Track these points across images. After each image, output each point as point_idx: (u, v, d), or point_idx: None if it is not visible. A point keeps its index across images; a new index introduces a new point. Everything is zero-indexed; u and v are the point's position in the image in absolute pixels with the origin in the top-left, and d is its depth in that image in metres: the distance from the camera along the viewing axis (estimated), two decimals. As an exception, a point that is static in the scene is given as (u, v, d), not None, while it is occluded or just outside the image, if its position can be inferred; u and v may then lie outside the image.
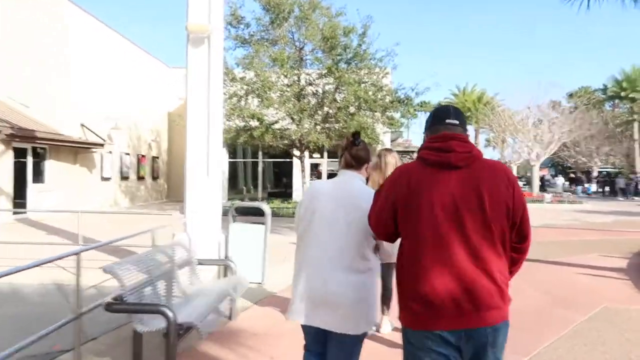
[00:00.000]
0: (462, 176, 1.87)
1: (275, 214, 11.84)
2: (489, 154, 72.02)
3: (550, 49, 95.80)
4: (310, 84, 16.02)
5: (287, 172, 23.08)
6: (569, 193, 31.43)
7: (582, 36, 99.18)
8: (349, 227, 2.36)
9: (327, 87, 15.78)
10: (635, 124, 39.63)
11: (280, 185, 24.38)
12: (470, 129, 44.27)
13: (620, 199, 29.26)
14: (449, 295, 1.80)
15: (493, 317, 1.82)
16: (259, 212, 6.69)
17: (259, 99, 14.92)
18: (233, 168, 24.12)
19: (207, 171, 5.91)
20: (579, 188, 33.78)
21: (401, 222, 1.96)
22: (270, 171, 25.22)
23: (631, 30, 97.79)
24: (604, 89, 45.70)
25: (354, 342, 2.41)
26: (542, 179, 40.20)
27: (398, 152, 30.42)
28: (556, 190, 33.66)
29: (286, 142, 16.17)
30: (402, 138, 31.76)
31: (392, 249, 2.34)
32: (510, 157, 31.83)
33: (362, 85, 15.38)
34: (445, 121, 2.01)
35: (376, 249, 2.46)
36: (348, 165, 2.56)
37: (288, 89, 15.18)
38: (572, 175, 41.16)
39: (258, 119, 14.97)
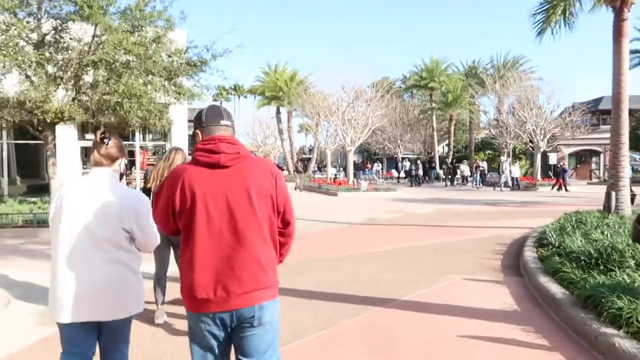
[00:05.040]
0: (231, 174, 2.09)
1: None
2: (301, 139, 72.40)
3: (357, 39, 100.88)
4: (57, 30, 10.66)
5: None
6: (382, 180, 31.15)
7: (386, 31, 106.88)
8: (101, 224, 2.41)
9: (83, 38, 10.63)
10: (435, 113, 42.12)
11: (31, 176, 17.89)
12: (283, 112, 42.00)
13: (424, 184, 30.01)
14: (218, 280, 2.02)
15: (259, 297, 2.07)
16: None
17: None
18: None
19: None
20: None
21: (179, 218, 2.13)
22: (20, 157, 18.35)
23: (428, 25, 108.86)
24: (404, 79, 47.97)
25: (122, 325, 2.56)
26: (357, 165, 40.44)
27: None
28: (371, 177, 33.28)
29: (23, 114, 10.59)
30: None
31: (145, 239, 2.55)
32: (325, 141, 29.92)
33: (136, 36, 10.67)
34: (220, 122, 2.20)
35: (132, 241, 2.53)
36: (98, 164, 2.55)
37: (15, 30, 9.62)
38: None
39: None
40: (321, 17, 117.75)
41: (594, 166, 36.48)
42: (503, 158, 27.86)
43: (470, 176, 28.99)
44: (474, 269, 6.73)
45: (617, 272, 4.67)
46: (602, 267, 5.01)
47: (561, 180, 24.25)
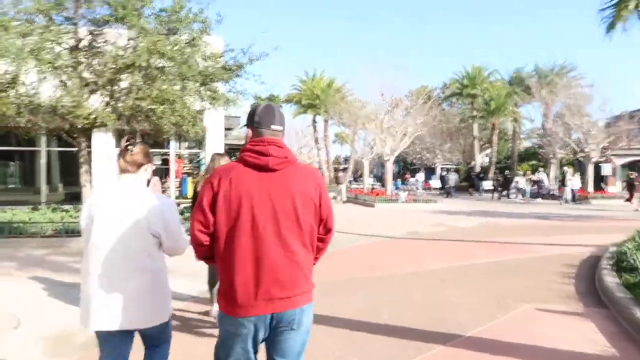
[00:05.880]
0: (277, 178, 2.07)
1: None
2: (337, 149, 71.72)
3: (394, 48, 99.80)
4: (93, 34, 10.39)
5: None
6: (422, 191, 30.02)
7: (421, 40, 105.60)
8: (129, 231, 2.42)
9: (117, 42, 10.31)
10: (476, 121, 40.66)
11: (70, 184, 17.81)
12: (319, 120, 41.38)
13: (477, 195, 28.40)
14: (261, 284, 2.01)
15: (301, 301, 2.09)
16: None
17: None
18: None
19: None
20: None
21: (220, 217, 2.05)
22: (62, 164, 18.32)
23: (466, 35, 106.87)
24: (443, 87, 46.61)
25: (160, 331, 2.59)
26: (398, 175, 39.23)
27: (234, 147, 24.87)
28: (413, 188, 32.17)
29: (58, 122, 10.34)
30: (241, 127, 26.22)
31: (174, 243, 2.54)
32: (362, 151, 29.08)
33: (172, 40, 10.29)
34: (271, 127, 2.16)
35: (160, 246, 2.55)
36: (124, 171, 2.57)
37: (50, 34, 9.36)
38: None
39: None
40: (356, 25, 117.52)
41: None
42: (569, 170, 25.82)
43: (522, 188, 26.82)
44: (545, 295, 5.80)
45: None
46: None
47: (631, 194, 22.24)
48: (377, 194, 24.28)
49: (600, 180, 31.34)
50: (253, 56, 11.19)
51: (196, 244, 2.15)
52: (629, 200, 22.18)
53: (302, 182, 2.11)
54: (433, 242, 10.51)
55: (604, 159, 29.19)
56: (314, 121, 41.83)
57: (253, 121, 2.18)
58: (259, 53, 11.20)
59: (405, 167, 52.49)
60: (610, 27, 9.58)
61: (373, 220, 15.34)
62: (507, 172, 33.71)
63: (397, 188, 28.72)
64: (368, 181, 31.72)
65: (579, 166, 31.74)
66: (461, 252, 9.03)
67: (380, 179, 41.86)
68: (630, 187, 22.55)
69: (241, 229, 2.01)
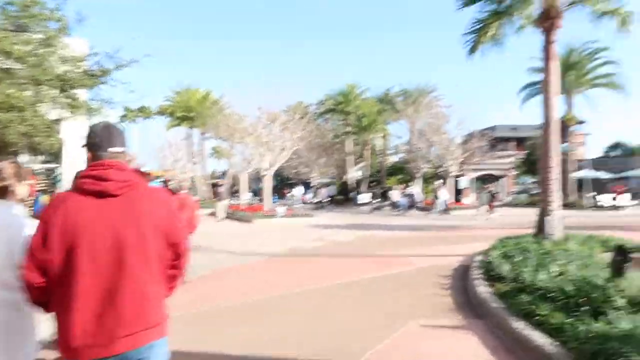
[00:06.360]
0: (120, 204, 1.92)
1: None
2: (213, 163, 69.84)
3: (272, 65, 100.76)
4: None
5: None
6: (301, 205, 30.20)
7: (298, 57, 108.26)
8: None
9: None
10: (349, 137, 42.40)
11: None
12: (195, 134, 39.84)
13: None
14: (100, 323, 1.82)
15: (147, 337, 1.90)
16: None
17: None
18: None
19: None
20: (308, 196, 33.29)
21: (55, 254, 1.86)
22: None
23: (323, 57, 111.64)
24: (319, 104, 48.00)
25: None
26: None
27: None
28: (291, 202, 32.26)
29: None
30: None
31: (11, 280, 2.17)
32: (240, 165, 28.46)
33: (22, 38, 8.96)
34: (109, 150, 2.01)
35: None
36: None
37: None
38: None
39: None
40: (234, 38, 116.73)
41: (496, 189, 38.52)
42: (440, 183, 27.78)
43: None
44: (427, 310, 5.90)
45: (610, 315, 4.03)
46: (584, 307, 4.36)
47: (490, 205, 24.71)
48: (255, 210, 23.87)
49: (458, 193, 34.49)
50: (121, 62, 10.25)
51: (28, 285, 1.89)
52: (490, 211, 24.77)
53: (149, 206, 1.98)
54: (314, 258, 10.41)
55: (461, 172, 32.23)
56: (189, 134, 40.19)
57: (91, 143, 2.04)
58: (128, 59, 10.29)
59: (283, 182, 52.84)
60: (472, 50, 10.53)
61: (251, 237, 14.90)
62: (382, 185, 35.61)
63: (274, 202, 28.57)
64: (245, 196, 31.16)
65: (439, 179, 34.69)
66: (343, 268, 9.03)
67: (257, 193, 41.52)
68: (491, 199, 25.28)
69: (79, 264, 1.84)
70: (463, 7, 10.92)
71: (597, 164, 37.95)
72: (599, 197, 28.05)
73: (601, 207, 26.68)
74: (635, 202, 28.79)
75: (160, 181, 11.06)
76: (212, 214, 22.94)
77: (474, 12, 10.89)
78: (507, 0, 10.39)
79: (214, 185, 37.81)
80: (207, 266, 8.86)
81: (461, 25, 13.07)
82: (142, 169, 7.10)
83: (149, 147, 36.30)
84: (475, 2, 10.83)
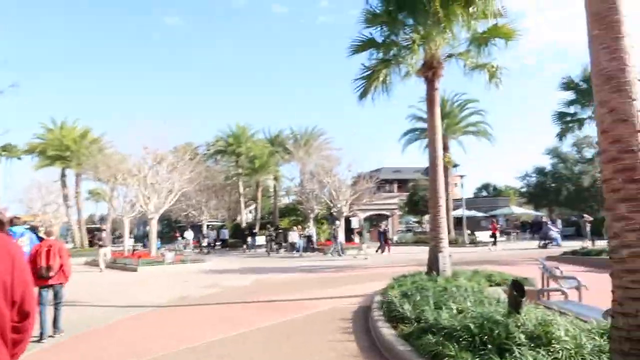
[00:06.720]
0: None
1: None
2: (91, 207, 64.32)
3: (159, 105, 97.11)
4: None
5: None
6: (190, 250, 28.67)
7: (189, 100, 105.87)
8: None
9: None
10: (241, 179, 41.80)
11: None
12: (70, 174, 36.47)
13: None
14: None
15: None
16: None
17: None
18: None
19: None
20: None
21: None
22: None
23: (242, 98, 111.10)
24: (208, 145, 46.97)
25: None
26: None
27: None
28: (180, 247, 30.54)
29: None
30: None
31: None
32: (122, 209, 26.37)
33: None
34: None
35: None
36: None
37: None
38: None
39: None
40: (118, 78, 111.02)
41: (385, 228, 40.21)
42: (338, 223, 27.98)
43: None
44: (333, 358, 5.59)
45: (515, 352, 4.05)
46: (490, 345, 4.37)
47: (387, 243, 25.62)
48: (140, 256, 22.06)
49: (350, 233, 35.35)
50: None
51: None
52: (381, 249, 25.53)
53: None
54: (208, 307, 9.66)
55: (351, 213, 33.16)
56: (63, 175, 36.68)
57: None
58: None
59: (171, 226, 50.17)
60: (362, 95, 10.94)
61: (137, 287, 13.59)
62: (276, 226, 35.20)
63: (158, 248, 26.74)
64: (128, 242, 28.85)
65: (332, 220, 35.35)
66: (240, 317, 8.43)
67: (141, 239, 38.77)
68: (385, 238, 26.19)
69: None
70: (353, 54, 11.40)
71: (468, 203, 41.54)
72: (477, 234, 30.52)
73: (478, 244, 28.96)
74: (503, 238, 31.81)
75: (28, 227, 9.68)
76: (91, 263, 20.72)
77: (363, 59, 11.44)
78: (394, 49, 11.03)
79: (96, 231, 34.63)
80: (79, 322, 7.75)
81: (352, 70, 13.55)
82: (6, 213, 6.08)
83: (14, 189, 32.51)
84: (365, 50, 11.38)
